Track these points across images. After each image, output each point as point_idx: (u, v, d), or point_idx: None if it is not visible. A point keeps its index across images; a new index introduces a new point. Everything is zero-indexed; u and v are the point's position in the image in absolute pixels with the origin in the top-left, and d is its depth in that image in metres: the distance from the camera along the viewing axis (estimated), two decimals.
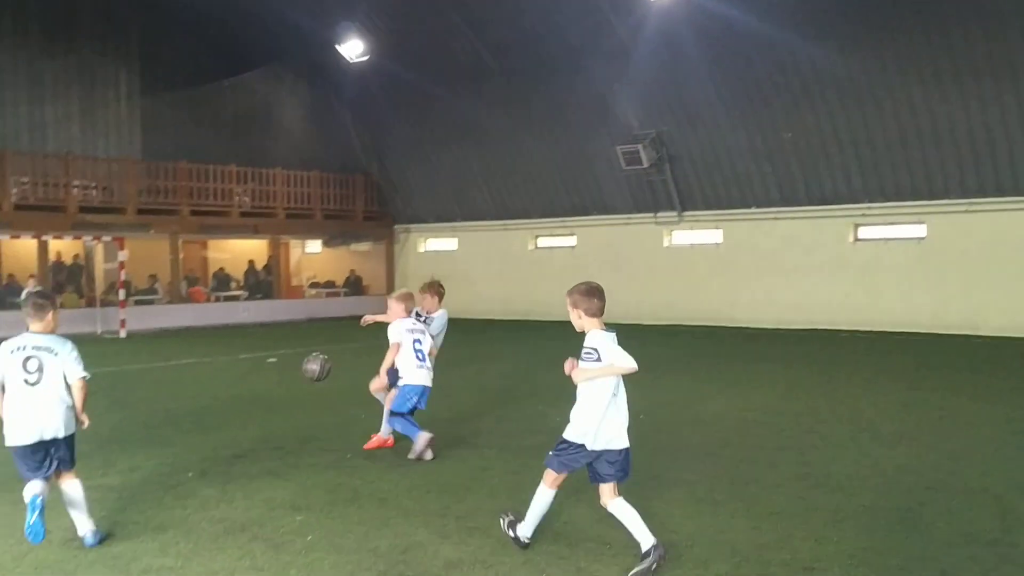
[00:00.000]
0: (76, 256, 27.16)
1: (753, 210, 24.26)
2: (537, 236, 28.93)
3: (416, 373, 8.62)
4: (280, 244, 31.05)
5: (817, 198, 23.16)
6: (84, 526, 6.11)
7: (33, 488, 5.84)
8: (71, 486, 6.07)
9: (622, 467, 5.65)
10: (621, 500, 5.63)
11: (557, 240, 28.54)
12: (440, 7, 25.08)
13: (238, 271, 30.50)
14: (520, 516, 5.93)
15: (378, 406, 9.33)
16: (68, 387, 6.00)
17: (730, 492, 7.30)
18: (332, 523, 6.52)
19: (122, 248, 23.40)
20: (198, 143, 28.38)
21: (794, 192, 23.48)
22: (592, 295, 5.65)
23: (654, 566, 5.36)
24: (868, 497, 7.16)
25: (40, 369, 5.91)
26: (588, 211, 27.29)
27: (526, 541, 5.88)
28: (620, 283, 25.46)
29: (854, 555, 5.79)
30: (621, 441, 5.62)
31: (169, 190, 26.70)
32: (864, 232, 22.99)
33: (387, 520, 6.58)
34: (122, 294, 23.59)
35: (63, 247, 26.54)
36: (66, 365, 5.98)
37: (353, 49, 27.69)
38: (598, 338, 5.53)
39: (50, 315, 6.13)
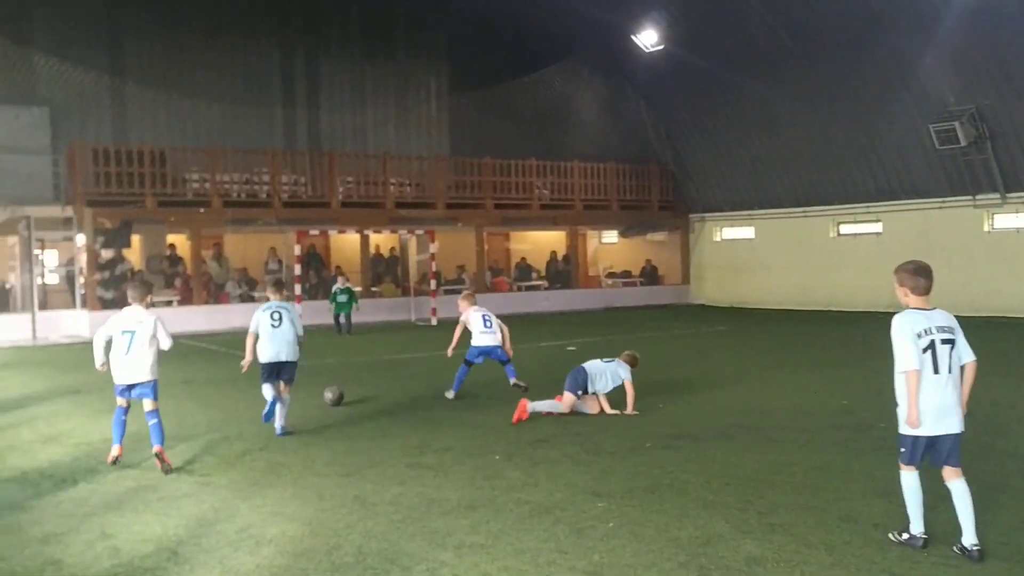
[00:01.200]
0: (392, 249, 29.34)
1: None
2: (839, 223, 27.58)
3: (480, 337, 11.81)
4: (577, 235, 31.77)
5: None
6: (280, 421, 9.77)
7: (268, 392, 9.77)
8: (284, 394, 9.87)
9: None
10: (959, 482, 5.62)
11: (861, 227, 27.04)
12: None
13: (537, 262, 31.57)
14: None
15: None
16: (296, 335, 9.96)
17: None
18: (632, 511, 6.63)
19: (433, 240, 24.96)
20: (500, 139, 29.69)
21: None
22: (919, 274, 5.76)
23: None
24: None
25: (280, 319, 9.90)
26: (896, 195, 25.63)
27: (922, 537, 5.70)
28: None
29: None
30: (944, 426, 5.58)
31: (474, 185, 28.13)
32: None
33: (686, 511, 6.60)
34: (433, 284, 25.20)
35: (381, 240, 28.79)
36: (294, 319, 9.99)
37: (648, 39, 27.76)
38: (893, 326, 5.65)
39: (284, 292, 10.49)
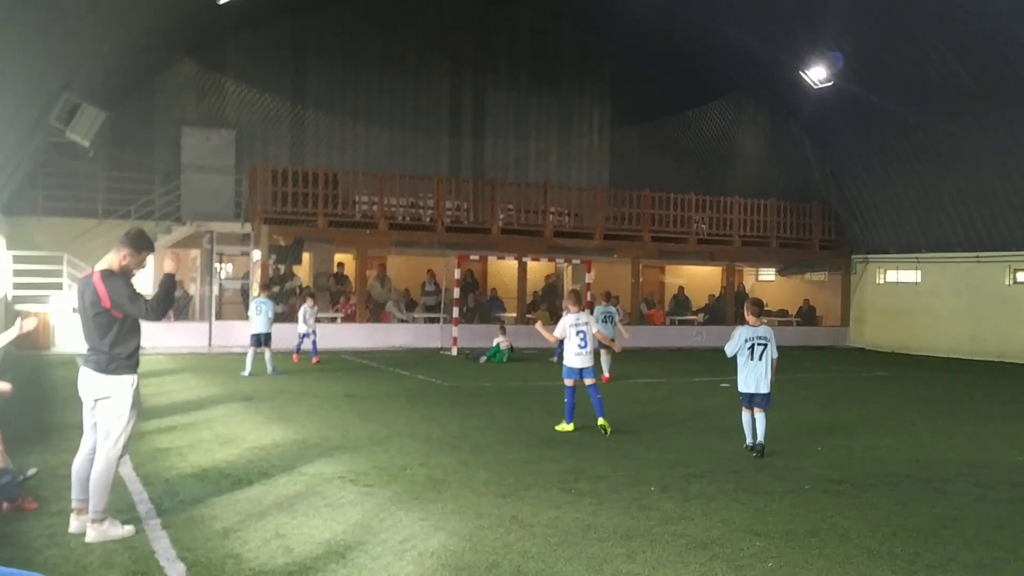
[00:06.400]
0: (548, 277, 29.66)
1: None
2: (1016, 270, 26.14)
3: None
4: (734, 271, 31.31)
5: None
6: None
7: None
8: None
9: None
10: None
11: None
12: (918, 31, 23.60)
13: (691, 296, 31.25)
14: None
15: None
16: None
17: None
18: (792, 553, 6.52)
19: (589, 270, 25.12)
20: (660, 172, 29.72)
21: None
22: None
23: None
24: None
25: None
26: None
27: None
28: None
29: None
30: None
31: (632, 217, 28.17)
32: None
33: (849, 557, 6.44)
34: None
35: (538, 268, 29.15)
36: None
37: (817, 74, 27.19)
38: None
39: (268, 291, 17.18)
